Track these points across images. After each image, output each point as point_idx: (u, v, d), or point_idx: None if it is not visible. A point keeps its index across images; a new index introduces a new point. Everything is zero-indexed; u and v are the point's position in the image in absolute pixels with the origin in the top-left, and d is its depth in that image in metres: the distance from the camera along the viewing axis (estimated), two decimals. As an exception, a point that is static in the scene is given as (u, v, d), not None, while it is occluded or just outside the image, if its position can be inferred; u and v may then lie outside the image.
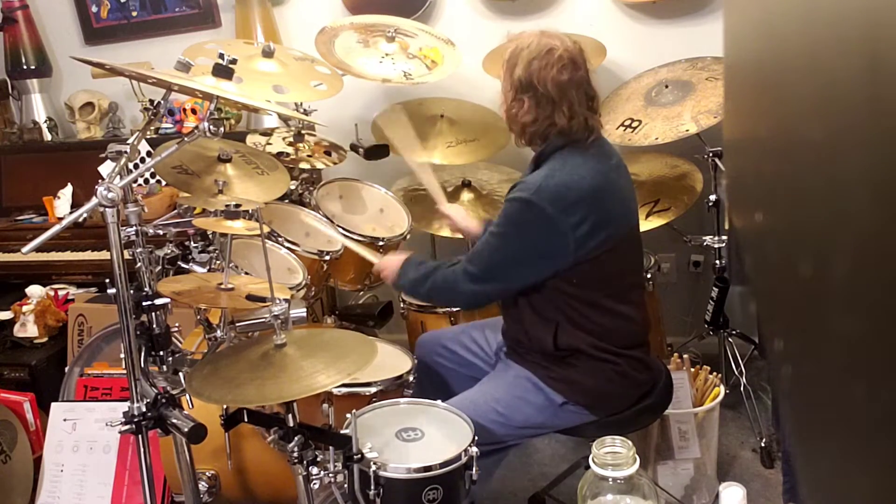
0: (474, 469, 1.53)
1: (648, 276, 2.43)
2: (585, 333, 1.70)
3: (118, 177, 1.36)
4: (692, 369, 2.27)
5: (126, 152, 1.42)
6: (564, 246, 1.63)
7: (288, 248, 2.15)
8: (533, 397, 1.73)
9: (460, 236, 2.58)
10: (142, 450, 1.43)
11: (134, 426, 1.39)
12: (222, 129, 1.41)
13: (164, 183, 2.57)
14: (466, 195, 2.69)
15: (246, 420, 1.57)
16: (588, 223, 1.62)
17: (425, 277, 1.79)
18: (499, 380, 1.79)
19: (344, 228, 2.31)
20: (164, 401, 1.41)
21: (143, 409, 1.40)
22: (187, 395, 1.46)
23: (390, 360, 2.05)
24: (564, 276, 1.68)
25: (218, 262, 1.81)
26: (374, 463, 1.47)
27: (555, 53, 1.64)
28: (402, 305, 2.52)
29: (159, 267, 1.58)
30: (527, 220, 1.64)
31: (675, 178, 2.52)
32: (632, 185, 1.83)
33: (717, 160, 2.42)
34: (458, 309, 2.39)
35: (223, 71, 1.50)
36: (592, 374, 1.73)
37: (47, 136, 3.30)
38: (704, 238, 2.53)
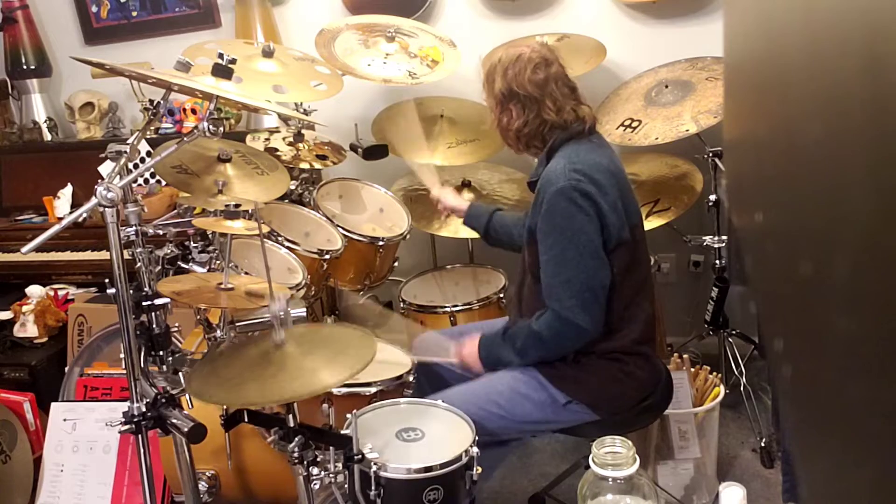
0: (475, 469, 1.53)
1: (648, 275, 2.43)
2: (603, 333, 1.70)
3: (118, 177, 1.36)
4: (692, 369, 2.27)
5: (126, 152, 1.42)
6: (608, 220, 1.64)
7: (288, 248, 2.15)
8: (536, 394, 1.73)
9: (460, 236, 2.59)
10: (142, 450, 1.43)
11: (134, 426, 1.39)
12: (222, 129, 1.41)
13: (164, 183, 2.57)
14: (466, 195, 2.69)
15: (246, 420, 1.58)
16: (619, 203, 1.66)
17: (524, 349, 1.72)
18: (503, 374, 1.80)
19: (344, 228, 2.31)
20: (163, 401, 1.41)
21: (143, 409, 1.40)
22: (187, 395, 1.46)
23: (390, 360, 2.05)
24: None
25: (218, 262, 1.81)
26: (375, 463, 1.47)
27: (524, 57, 1.73)
28: (402, 305, 2.52)
29: (159, 267, 1.57)
30: (571, 205, 1.62)
31: (675, 178, 2.52)
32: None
33: (717, 160, 2.42)
34: (457, 307, 2.38)
35: (223, 71, 1.50)
36: (599, 374, 1.73)
37: (47, 136, 3.30)
38: (704, 238, 2.53)
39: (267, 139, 2.46)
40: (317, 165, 2.45)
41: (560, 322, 1.65)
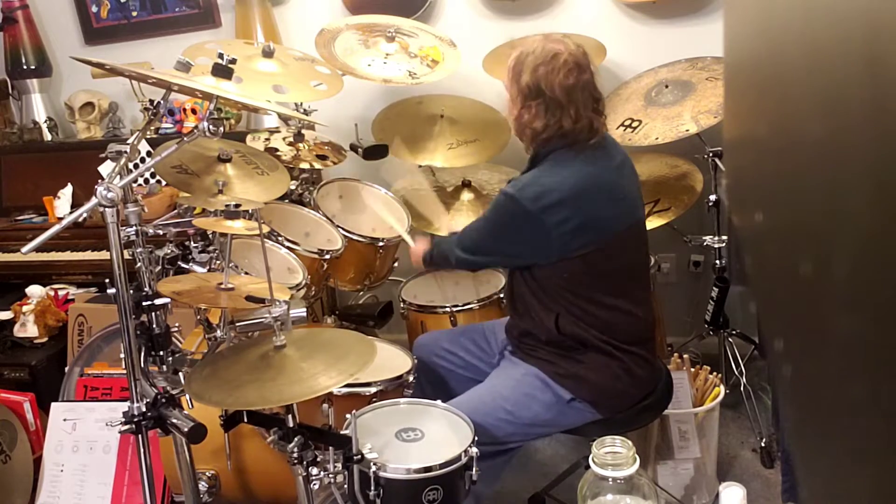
0: (474, 469, 1.53)
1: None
2: (586, 325, 1.72)
3: (118, 177, 1.36)
4: (692, 369, 2.27)
5: (126, 152, 1.42)
6: (545, 241, 1.67)
7: (288, 248, 2.15)
8: (541, 394, 1.74)
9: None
10: (142, 450, 1.43)
11: (134, 426, 1.39)
12: (222, 129, 1.41)
13: (164, 183, 2.56)
14: (466, 195, 2.69)
15: (246, 420, 1.57)
16: (571, 223, 1.64)
17: (434, 246, 2.01)
18: (506, 378, 1.80)
19: (344, 229, 2.31)
20: (163, 401, 1.41)
21: (143, 409, 1.40)
22: (187, 395, 1.46)
23: (390, 360, 2.05)
24: (554, 269, 1.70)
25: (218, 262, 1.81)
26: (374, 463, 1.47)
27: (560, 58, 1.66)
28: (402, 305, 2.52)
29: (159, 267, 1.57)
30: (509, 214, 1.70)
31: (675, 178, 2.52)
32: (637, 185, 1.84)
33: (717, 160, 2.42)
34: (457, 307, 2.39)
35: (223, 71, 1.50)
36: (599, 371, 1.73)
37: (47, 136, 3.30)
38: (704, 238, 2.53)
39: (267, 139, 2.46)
40: (317, 165, 2.45)
41: (452, 247, 1.90)
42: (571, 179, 1.66)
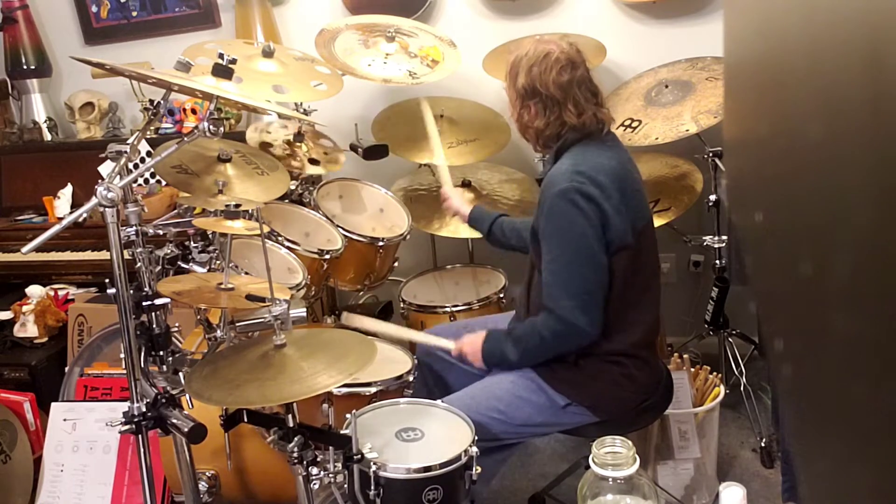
0: (474, 469, 1.53)
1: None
2: (601, 335, 1.70)
3: (118, 177, 1.36)
4: (692, 369, 2.27)
5: (126, 152, 1.42)
6: (612, 222, 1.64)
7: (288, 248, 2.15)
8: (535, 397, 1.73)
9: (460, 236, 2.58)
10: (142, 450, 1.43)
11: (134, 426, 1.40)
12: (222, 129, 1.41)
13: (164, 183, 2.57)
14: (466, 195, 2.69)
15: (246, 420, 1.58)
16: (622, 206, 1.65)
17: (529, 350, 1.72)
18: (503, 378, 1.79)
19: (344, 228, 2.32)
20: (164, 401, 1.41)
21: (143, 409, 1.40)
22: (187, 395, 1.47)
23: (390, 360, 2.05)
24: None
25: (218, 262, 1.81)
26: (374, 463, 1.47)
27: (552, 56, 1.70)
28: (402, 305, 2.52)
29: (159, 267, 1.57)
30: (572, 207, 1.62)
31: (675, 178, 2.52)
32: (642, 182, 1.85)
33: (717, 160, 2.42)
34: (457, 307, 2.38)
35: (223, 71, 1.50)
36: (598, 377, 1.73)
37: (47, 136, 3.30)
38: (704, 238, 2.53)
39: (268, 133, 2.45)
40: (310, 171, 2.43)
41: (561, 324, 1.65)
42: (610, 164, 1.68)
